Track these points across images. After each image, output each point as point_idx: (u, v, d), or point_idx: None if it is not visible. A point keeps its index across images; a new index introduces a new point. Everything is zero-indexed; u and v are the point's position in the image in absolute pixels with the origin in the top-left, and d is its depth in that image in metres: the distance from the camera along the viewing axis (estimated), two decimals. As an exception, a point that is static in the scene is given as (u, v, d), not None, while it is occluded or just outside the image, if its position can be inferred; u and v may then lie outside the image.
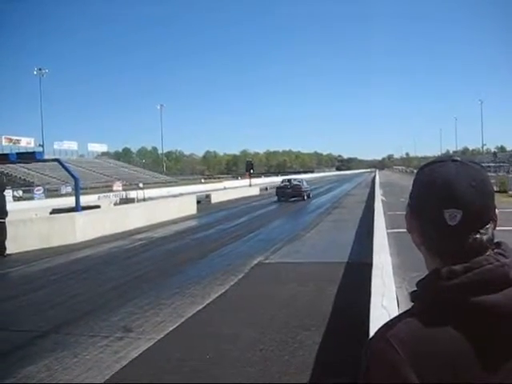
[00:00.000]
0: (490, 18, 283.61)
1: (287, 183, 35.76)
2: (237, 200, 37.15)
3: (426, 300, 1.02)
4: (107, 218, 19.03)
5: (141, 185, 51.39)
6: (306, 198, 34.57)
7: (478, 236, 1.01)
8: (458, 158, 1.08)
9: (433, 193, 1.04)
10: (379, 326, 2.94)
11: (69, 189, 45.93)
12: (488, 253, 1.01)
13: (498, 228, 1.05)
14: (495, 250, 1.02)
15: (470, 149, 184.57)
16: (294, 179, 38.53)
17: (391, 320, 1.05)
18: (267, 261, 11.76)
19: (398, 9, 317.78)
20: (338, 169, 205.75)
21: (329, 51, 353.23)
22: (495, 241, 1.05)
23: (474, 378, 0.93)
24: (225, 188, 56.17)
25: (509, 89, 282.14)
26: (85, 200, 26.11)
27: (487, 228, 1.02)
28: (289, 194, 33.95)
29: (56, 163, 22.95)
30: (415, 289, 1.07)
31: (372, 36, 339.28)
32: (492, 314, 0.94)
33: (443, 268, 1.00)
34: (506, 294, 0.95)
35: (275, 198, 34.57)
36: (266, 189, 52.02)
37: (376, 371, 0.98)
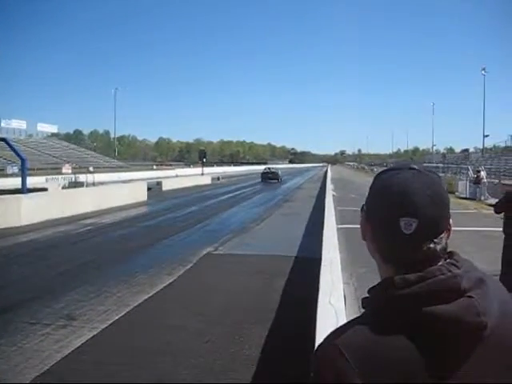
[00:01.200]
0: (439, 20, 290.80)
1: (268, 170, 53.94)
2: (188, 188, 36.92)
3: (377, 308, 1.01)
4: (54, 202, 18.50)
5: (91, 169, 50.43)
6: (280, 180, 49.80)
7: (432, 245, 1.01)
8: (415, 166, 1.08)
9: (389, 200, 1.03)
10: (326, 322, 2.96)
11: (15, 169, 44.43)
12: (441, 262, 1.02)
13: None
14: (448, 260, 1.03)
15: (421, 149, 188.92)
16: (273, 168, 59.01)
17: (341, 327, 1.04)
18: (216, 252, 11.72)
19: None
20: (291, 162, 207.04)
21: (283, 42, 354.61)
22: (448, 250, 1.06)
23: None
24: (177, 175, 55.74)
25: (459, 93, 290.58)
26: (32, 182, 25.39)
27: (441, 237, 1.03)
28: (269, 177, 50.07)
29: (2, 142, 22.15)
30: (367, 295, 1.06)
31: (329, 29, 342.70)
32: (443, 324, 0.94)
33: (396, 276, 0.99)
34: (457, 305, 0.95)
35: (227, 188, 35.99)
36: (218, 178, 51.92)
37: (324, 379, 0.97)
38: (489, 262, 8.68)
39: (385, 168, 1.14)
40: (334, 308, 3.55)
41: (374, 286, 1.05)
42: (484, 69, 70.89)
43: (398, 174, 1.06)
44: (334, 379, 0.95)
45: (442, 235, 1.03)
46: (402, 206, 1.00)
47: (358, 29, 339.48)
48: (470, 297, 0.97)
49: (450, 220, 1.06)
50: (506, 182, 21.49)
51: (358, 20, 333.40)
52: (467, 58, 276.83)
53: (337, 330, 1.03)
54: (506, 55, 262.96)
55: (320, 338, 2.86)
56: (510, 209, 7.12)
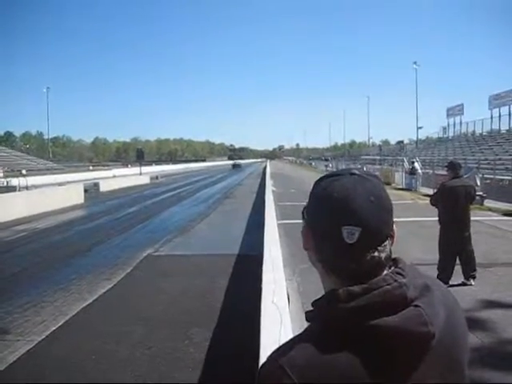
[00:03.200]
0: (373, 14, 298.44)
1: (235, 163, 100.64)
2: (127, 188, 36.40)
3: (322, 323, 0.98)
4: (-16, 208, 17.66)
5: (24, 172, 48.61)
6: (241, 167, 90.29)
7: (376, 254, 0.98)
8: (356, 171, 1.04)
9: (329, 208, 0.99)
10: (270, 321, 2.90)
11: None
12: (386, 272, 0.99)
13: None
14: (393, 269, 1.00)
15: (358, 142, 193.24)
16: (238, 162, 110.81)
17: (285, 344, 0.99)
18: (157, 253, 11.53)
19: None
20: (230, 158, 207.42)
21: (221, 35, 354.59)
22: (393, 257, 1.03)
23: None
24: (114, 176, 54.79)
25: (392, 86, 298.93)
26: (-41, 187, 24.30)
27: (385, 245, 1.00)
28: (236, 167, 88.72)
29: None
30: (311, 309, 1.02)
31: (263, 23, 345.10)
32: (390, 337, 0.91)
33: (340, 289, 0.96)
34: (403, 316, 0.93)
35: (166, 187, 36.56)
36: (157, 177, 51.44)
37: None
38: (425, 251, 8.96)
39: (325, 174, 1.09)
40: (277, 307, 3.52)
41: (318, 299, 1.01)
42: (415, 62, 73.11)
43: (339, 181, 1.02)
44: None
45: (385, 242, 1.00)
46: (344, 214, 0.96)
47: (293, 22, 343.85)
48: (416, 306, 0.94)
49: (394, 226, 1.03)
50: (440, 172, 22.18)
51: (290, 10, 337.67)
52: (401, 51, 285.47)
53: (281, 347, 0.99)
54: (438, 49, 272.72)
55: (264, 337, 2.83)
56: (445, 199, 7.34)
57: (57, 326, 6.56)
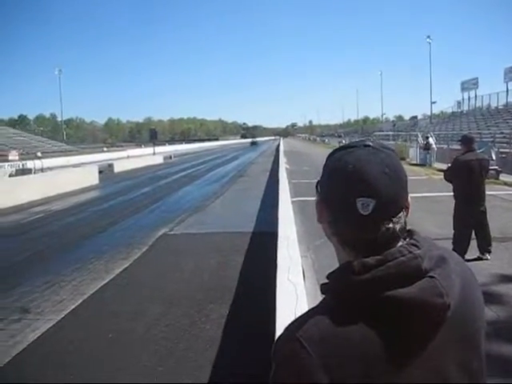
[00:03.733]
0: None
1: (253, 140, 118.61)
2: (141, 169, 36.50)
3: (337, 295, 0.98)
4: (1, 191, 17.81)
5: (39, 154, 48.84)
6: (257, 144, 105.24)
7: (390, 225, 0.98)
8: (370, 143, 1.03)
9: (344, 181, 0.98)
10: (285, 298, 2.91)
11: (-43, 158, 42.72)
12: (401, 243, 0.99)
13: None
14: (408, 240, 1.00)
15: (371, 118, 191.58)
16: (255, 140, 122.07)
17: (301, 317, 1.00)
18: (172, 232, 11.59)
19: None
20: (243, 137, 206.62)
21: (232, 15, 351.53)
22: (408, 229, 1.03)
23: (387, 374, 0.90)
24: (128, 156, 54.90)
25: (406, 62, 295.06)
26: (-24, 170, 24.53)
27: (400, 216, 0.99)
28: (254, 143, 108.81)
29: None
30: (326, 281, 1.01)
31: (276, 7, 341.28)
32: (405, 308, 0.91)
33: (355, 261, 0.96)
34: (419, 287, 0.92)
35: (180, 167, 36.48)
36: (171, 157, 51.50)
37: (286, 373, 0.93)
38: (440, 226, 8.92)
39: (339, 146, 1.08)
40: (292, 284, 3.54)
41: (333, 271, 1.01)
42: (429, 36, 71.99)
43: (353, 152, 1.01)
44: (297, 373, 0.91)
45: (400, 214, 0.99)
46: (358, 185, 0.96)
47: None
48: (431, 277, 0.94)
49: (409, 197, 1.02)
50: (454, 147, 21.96)
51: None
52: (415, 25, 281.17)
53: (297, 320, 0.99)
54: (450, 22, 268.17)
55: (280, 314, 2.85)
56: (459, 174, 7.27)
57: (75, 305, 6.65)
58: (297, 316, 1.02)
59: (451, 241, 7.27)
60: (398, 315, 0.91)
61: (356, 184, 0.96)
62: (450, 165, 7.91)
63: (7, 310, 6.54)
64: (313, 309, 1.01)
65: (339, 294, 0.97)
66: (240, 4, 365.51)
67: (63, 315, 6.30)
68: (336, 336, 0.91)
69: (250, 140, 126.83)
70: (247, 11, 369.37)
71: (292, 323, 0.99)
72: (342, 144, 1.16)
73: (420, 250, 0.96)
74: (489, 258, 7.35)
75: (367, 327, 0.91)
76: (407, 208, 1.01)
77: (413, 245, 0.97)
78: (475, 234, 7.40)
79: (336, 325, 0.92)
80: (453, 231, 7.40)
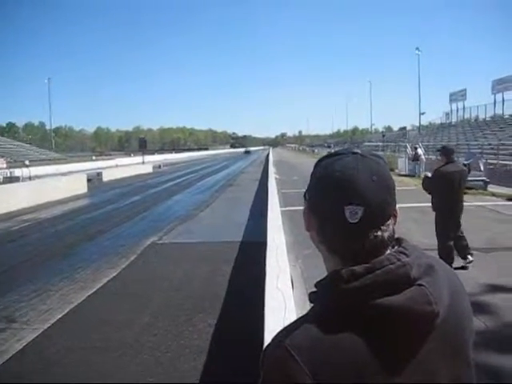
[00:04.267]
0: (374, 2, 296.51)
1: (246, 150, 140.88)
2: (129, 178, 36.40)
3: (325, 303, 0.97)
4: (-12, 199, 17.67)
5: (27, 162, 48.55)
6: (250, 153, 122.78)
7: (379, 233, 0.97)
8: (358, 151, 1.03)
9: (332, 188, 0.98)
10: (274, 307, 2.90)
11: None
12: (389, 251, 0.99)
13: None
14: (396, 248, 1.00)
15: (360, 128, 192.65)
16: (248, 149, 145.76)
17: (289, 325, 1.00)
18: (160, 241, 11.54)
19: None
20: (233, 146, 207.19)
21: (220, 23, 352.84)
22: (396, 237, 1.03)
23: (376, 381, 0.90)
24: (117, 165, 54.75)
25: (395, 73, 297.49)
26: (-37, 179, 24.35)
27: (388, 224, 0.99)
28: (247, 152, 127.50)
29: None
30: (314, 289, 1.02)
31: (266, 11, 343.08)
32: (394, 316, 0.91)
33: (343, 269, 0.95)
34: (407, 295, 0.92)
35: (169, 176, 36.83)
36: (160, 166, 51.43)
37: (274, 380, 0.93)
38: (428, 236, 8.95)
39: (326, 154, 1.08)
40: (281, 292, 3.53)
41: (321, 280, 1.01)
42: (417, 48, 72.75)
43: (340, 160, 1.01)
44: (284, 381, 0.90)
45: (388, 222, 0.99)
46: (346, 193, 0.95)
47: (295, 8, 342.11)
48: (420, 285, 0.94)
49: (397, 206, 1.02)
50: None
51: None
52: (403, 38, 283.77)
53: (285, 329, 0.99)
54: (440, 34, 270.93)
55: (269, 323, 2.83)
56: (441, 186, 7.29)
57: (62, 314, 6.59)
58: (285, 324, 1.02)
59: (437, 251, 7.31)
60: (386, 323, 0.91)
61: (344, 191, 0.95)
62: (428, 174, 7.93)
63: (-7, 319, 6.46)
64: (301, 317, 1.01)
65: (328, 303, 0.96)
66: (230, 13, 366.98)
67: (50, 324, 6.23)
68: (324, 344, 0.91)
69: (242, 149, 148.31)
70: (238, 20, 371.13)
71: (280, 331, 0.98)
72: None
73: (409, 258, 0.96)
74: (471, 259, 7.39)
75: (356, 335, 0.91)
76: (395, 216, 1.01)
77: (401, 253, 0.97)
78: (454, 245, 7.41)
79: (324, 333, 0.92)
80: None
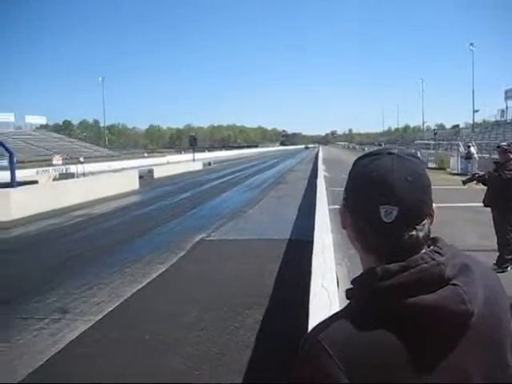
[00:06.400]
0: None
1: (307, 146, 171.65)
2: (180, 175, 36.88)
3: (360, 300, 0.99)
4: (45, 194, 18.32)
5: (82, 159, 49.82)
6: (308, 148, 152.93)
7: (414, 233, 0.98)
8: (395, 151, 1.04)
9: (367, 188, 0.99)
10: (319, 305, 2.90)
11: (5, 162, 44.04)
12: (424, 250, 0.99)
13: (435, 204, 1.02)
14: (431, 247, 1.00)
15: (411, 126, 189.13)
16: (308, 145, 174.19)
17: (325, 320, 1.01)
18: (209, 238, 11.68)
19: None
20: (282, 144, 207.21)
21: (271, 23, 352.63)
22: (432, 236, 1.03)
23: (409, 379, 0.91)
24: (168, 162, 55.57)
25: (448, 69, 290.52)
26: (22, 175, 25.31)
27: (424, 224, 0.99)
28: (307, 148, 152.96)
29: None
30: (351, 286, 1.03)
31: (317, 10, 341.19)
32: (428, 315, 0.91)
33: (378, 267, 0.96)
34: (441, 294, 0.92)
35: (218, 174, 36.96)
36: (210, 164, 51.85)
37: (308, 374, 0.94)
38: (481, 237, 8.75)
39: (363, 153, 1.09)
40: (326, 291, 3.52)
41: (357, 277, 1.02)
42: (472, 44, 70.89)
43: (377, 160, 1.02)
44: (317, 375, 0.92)
45: (424, 221, 0.99)
46: (382, 193, 0.96)
47: (346, 7, 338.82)
48: (454, 285, 0.94)
49: (433, 205, 1.02)
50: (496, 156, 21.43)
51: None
52: (456, 33, 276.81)
53: (321, 323, 1.01)
54: (493, 30, 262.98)
55: (313, 322, 2.84)
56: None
57: (112, 307, 6.77)
58: (326, 320, 1.04)
59: (493, 251, 7.19)
60: (420, 322, 0.91)
61: (379, 191, 0.96)
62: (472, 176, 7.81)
63: (47, 310, 6.71)
64: (337, 313, 1.02)
65: (362, 300, 0.97)
66: (279, 9, 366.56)
67: (101, 316, 6.43)
68: (358, 340, 0.92)
69: (292, 147, 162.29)
70: (288, 17, 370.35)
71: (316, 326, 1.00)
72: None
73: (443, 258, 0.96)
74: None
75: (390, 333, 0.91)
76: (431, 216, 1.01)
77: (436, 252, 0.97)
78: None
79: (358, 329, 0.93)
80: (496, 242, 7.33)
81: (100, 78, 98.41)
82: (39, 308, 6.82)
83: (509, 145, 7.80)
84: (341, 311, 1.02)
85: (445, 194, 15.23)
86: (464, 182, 7.83)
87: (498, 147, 7.73)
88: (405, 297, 0.91)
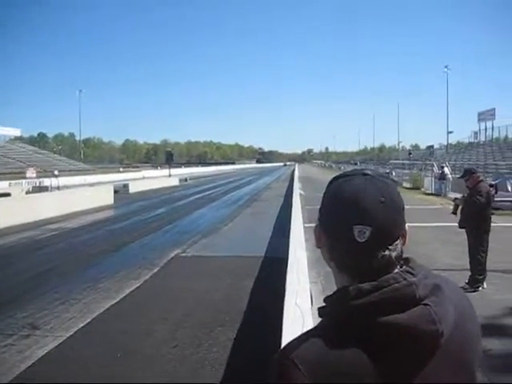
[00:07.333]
0: (403, 18, 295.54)
1: (285, 163, 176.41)
2: (156, 190, 36.66)
3: (332, 318, 1.00)
4: (18, 207, 18.13)
5: (56, 172, 49.26)
6: (286, 165, 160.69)
7: (386, 253, 1.00)
8: (369, 172, 1.06)
9: (341, 208, 1.01)
10: (292, 323, 2.91)
11: (-23, 175, 43.35)
12: (396, 270, 1.01)
13: (410, 224, 1.05)
14: (404, 268, 1.02)
15: (387, 146, 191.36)
16: (287, 163, 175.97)
17: (297, 338, 1.02)
18: (184, 254, 11.61)
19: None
20: (259, 161, 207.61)
21: (249, 39, 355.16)
22: (405, 256, 1.04)
23: None
24: (144, 177, 55.30)
25: (423, 90, 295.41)
26: (-6, 187, 24.84)
27: (396, 244, 1.01)
28: (286, 165, 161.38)
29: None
30: (323, 304, 1.04)
31: (296, 26, 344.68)
32: (398, 334, 0.92)
33: (351, 286, 0.98)
34: (412, 314, 0.94)
35: (195, 189, 37.05)
36: (186, 180, 51.67)
37: None
38: (455, 257, 8.86)
39: (338, 173, 1.12)
40: (300, 309, 3.53)
41: (330, 295, 1.03)
42: (446, 66, 72.41)
43: (351, 181, 1.04)
44: None
45: (396, 242, 1.02)
46: (355, 213, 0.99)
47: (322, 22, 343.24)
48: (425, 304, 0.95)
49: (406, 225, 1.05)
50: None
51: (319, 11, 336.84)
52: (432, 55, 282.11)
53: (293, 341, 1.01)
54: (468, 52, 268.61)
55: (286, 339, 2.84)
56: (488, 207, 7.50)
57: (84, 323, 6.67)
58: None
59: (465, 271, 7.29)
60: (391, 340, 0.93)
61: (353, 211, 0.98)
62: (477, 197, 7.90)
63: (17, 326, 6.58)
64: (309, 331, 1.04)
65: (335, 318, 0.99)
66: (255, 25, 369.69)
67: (72, 332, 6.32)
68: (329, 358, 0.93)
69: (268, 165, 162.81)
70: (265, 33, 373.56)
71: (288, 343, 1.01)
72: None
73: (415, 278, 0.97)
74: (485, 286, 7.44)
75: (361, 351, 0.92)
76: (404, 236, 1.03)
77: (408, 272, 0.99)
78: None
79: (330, 347, 0.94)
80: (467, 261, 7.47)
81: (77, 92, 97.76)
82: (9, 324, 6.68)
83: (470, 168, 8.07)
84: (313, 329, 1.04)
85: (421, 214, 15.44)
86: (454, 213, 7.95)
87: (463, 176, 7.88)
88: (377, 316, 0.93)
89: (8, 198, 20.19)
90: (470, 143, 63.73)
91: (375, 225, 0.97)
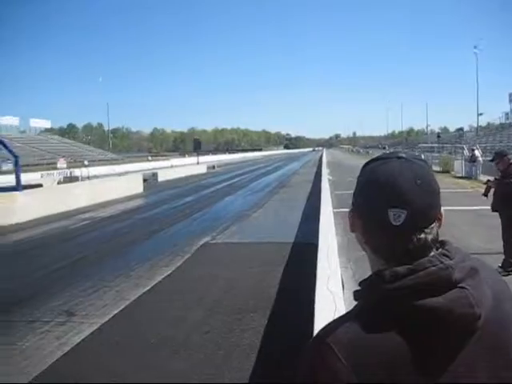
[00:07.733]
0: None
1: (314, 149, 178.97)
2: (184, 178, 36.86)
3: (368, 302, 1.00)
4: (50, 198, 18.35)
5: (86, 162, 50.06)
6: (315, 150, 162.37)
7: (422, 236, 0.99)
8: (404, 155, 1.05)
9: (376, 192, 1.01)
10: (324, 308, 2.91)
11: (10, 165, 44.05)
12: (432, 253, 1.00)
13: (443, 207, 1.04)
14: (440, 250, 1.01)
15: (415, 129, 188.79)
16: (316, 148, 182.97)
17: (332, 322, 1.03)
18: (214, 241, 11.67)
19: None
20: (286, 147, 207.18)
21: (274, 26, 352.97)
22: (440, 239, 1.04)
23: (415, 381, 0.92)
24: (172, 166, 55.60)
25: (453, 72, 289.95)
26: (27, 178, 25.33)
27: (432, 227, 1.01)
28: (315, 150, 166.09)
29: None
30: (358, 288, 1.04)
31: (320, 12, 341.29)
32: (434, 318, 0.92)
33: (387, 270, 0.97)
34: (449, 297, 0.93)
35: (222, 177, 36.89)
36: (214, 167, 51.80)
37: (316, 377, 0.95)
38: (486, 240, 8.73)
39: (371, 158, 1.11)
40: (332, 294, 3.53)
41: (365, 279, 1.03)
42: (476, 46, 70.87)
43: (385, 164, 1.03)
44: (327, 378, 0.93)
45: (432, 225, 1.01)
46: (390, 197, 0.98)
47: (351, 10, 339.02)
48: (462, 288, 0.95)
49: (442, 208, 1.03)
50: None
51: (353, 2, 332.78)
52: (460, 36, 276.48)
53: (329, 325, 1.02)
54: (498, 33, 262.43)
55: (318, 324, 2.84)
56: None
57: (118, 310, 6.78)
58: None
59: (498, 255, 7.19)
60: (427, 324, 0.92)
61: (388, 195, 0.98)
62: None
63: (53, 313, 6.72)
64: (345, 314, 1.04)
65: (370, 302, 0.99)
66: (284, 13, 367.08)
67: (106, 319, 6.44)
68: (365, 342, 0.93)
69: (296, 150, 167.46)
70: (292, 19, 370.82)
71: (324, 327, 1.01)
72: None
73: (451, 261, 0.97)
74: None
75: (396, 334, 0.92)
76: (440, 219, 1.02)
77: (444, 255, 0.98)
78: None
79: (365, 331, 0.94)
80: (501, 245, 7.35)
81: (100, 79, 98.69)
82: (45, 311, 6.83)
83: (501, 151, 7.91)
84: (348, 313, 1.03)
85: (452, 197, 15.25)
86: (485, 195, 7.84)
87: (492, 160, 7.73)
88: (412, 299, 0.92)
89: (40, 188, 20.46)
90: (501, 124, 62.44)
91: (411, 208, 0.96)
